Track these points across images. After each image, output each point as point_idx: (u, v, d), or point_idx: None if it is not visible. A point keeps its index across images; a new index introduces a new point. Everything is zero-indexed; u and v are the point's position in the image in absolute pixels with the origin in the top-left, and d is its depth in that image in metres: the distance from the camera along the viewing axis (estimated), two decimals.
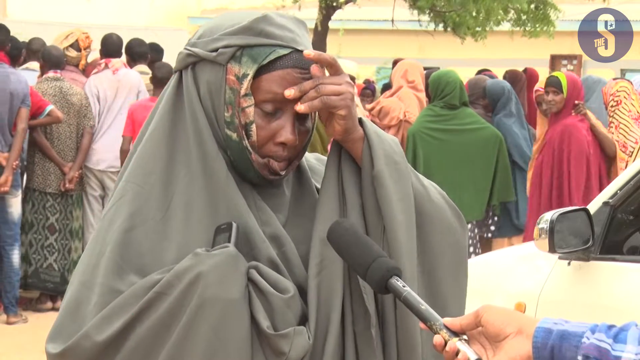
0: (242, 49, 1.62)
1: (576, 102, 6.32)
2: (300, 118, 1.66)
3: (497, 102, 7.64)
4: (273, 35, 1.63)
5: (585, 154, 6.30)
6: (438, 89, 6.87)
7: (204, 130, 1.64)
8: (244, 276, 1.56)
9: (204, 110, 1.65)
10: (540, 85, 6.91)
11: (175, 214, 1.63)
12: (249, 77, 1.61)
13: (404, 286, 1.49)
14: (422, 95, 7.42)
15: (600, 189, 6.31)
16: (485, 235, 6.98)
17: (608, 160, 6.47)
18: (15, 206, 6.80)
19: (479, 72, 9.43)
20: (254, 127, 1.63)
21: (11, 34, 7.74)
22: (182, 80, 1.68)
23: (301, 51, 1.63)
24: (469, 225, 6.82)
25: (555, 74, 6.52)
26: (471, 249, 6.82)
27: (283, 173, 1.66)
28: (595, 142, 6.37)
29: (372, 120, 7.26)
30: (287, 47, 1.63)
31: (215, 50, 1.63)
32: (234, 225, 1.60)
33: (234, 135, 1.63)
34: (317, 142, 6.47)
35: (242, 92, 1.61)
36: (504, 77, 8.93)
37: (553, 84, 6.37)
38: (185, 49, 1.69)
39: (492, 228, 6.97)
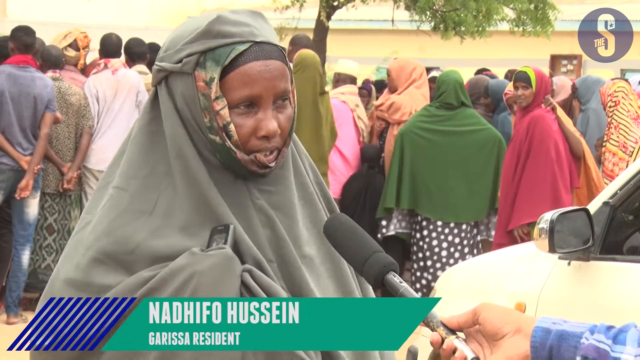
0: (205, 53, 1.63)
1: (546, 96, 6.33)
2: (279, 106, 1.67)
3: (500, 100, 7.66)
4: (230, 33, 1.63)
5: (551, 141, 6.26)
6: (436, 88, 6.90)
7: (183, 143, 1.66)
8: (239, 278, 1.56)
9: (183, 121, 1.66)
10: (510, 88, 6.91)
11: (160, 217, 1.64)
12: (216, 80, 1.62)
13: (400, 282, 1.49)
14: (427, 96, 7.43)
15: (571, 186, 6.33)
16: (487, 237, 6.95)
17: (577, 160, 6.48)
18: (32, 207, 6.83)
19: (479, 72, 9.43)
20: (232, 127, 1.64)
21: None
22: (158, 94, 1.70)
23: (261, 43, 1.64)
24: (464, 226, 6.80)
25: (523, 69, 6.54)
26: (466, 250, 6.81)
27: (273, 164, 1.67)
28: (564, 139, 6.38)
29: (381, 117, 7.34)
30: (245, 41, 1.63)
31: (180, 60, 1.65)
32: (231, 226, 1.61)
33: (217, 139, 1.65)
34: (325, 143, 6.49)
35: (213, 96, 1.63)
36: (506, 77, 8.94)
37: (522, 79, 6.40)
38: (155, 64, 1.71)
39: (493, 232, 6.95)
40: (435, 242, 6.80)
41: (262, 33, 1.66)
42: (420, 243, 6.86)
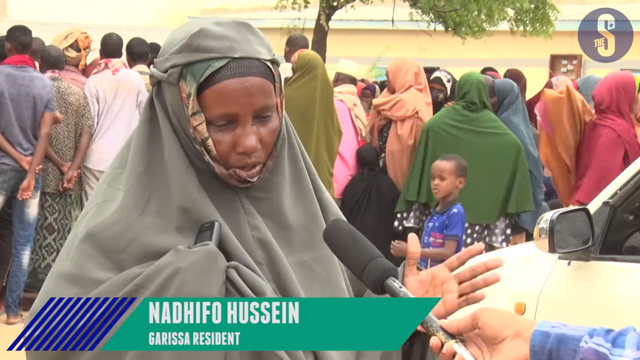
0: (186, 67, 1.62)
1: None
2: (262, 120, 1.65)
3: (504, 99, 7.68)
4: (209, 48, 1.62)
5: None
6: (458, 87, 6.92)
7: (174, 146, 1.66)
8: (223, 274, 1.58)
9: (173, 127, 1.67)
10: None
11: (152, 215, 1.65)
12: (192, 96, 1.62)
13: (400, 287, 1.49)
14: (428, 98, 7.44)
15: None
16: (490, 242, 6.93)
17: None
18: (32, 207, 6.83)
19: (483, 72, 9.42)
20: (210, 142, 1.63)
21: None
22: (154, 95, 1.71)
23: (239, 58, 1.62)
24: (477, 227, 6.80)
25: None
26: None
27: (255, 179, 1.66)
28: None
29: (383, 114, 7.34)
30: (222, 57, 1.61)
31: (166, 70, 1.65)
32: (217, 223, 1.62)
33: (201, 150, 1.65)
34: (324, 158, 6.50)
35: (190, 111, 1.62)
36: (505, 76, 8.94)
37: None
38: (150, 67, 1.71)
39: (501, 237, 6.94)
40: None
41: (244, 47, 1.63)
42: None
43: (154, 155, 1.67)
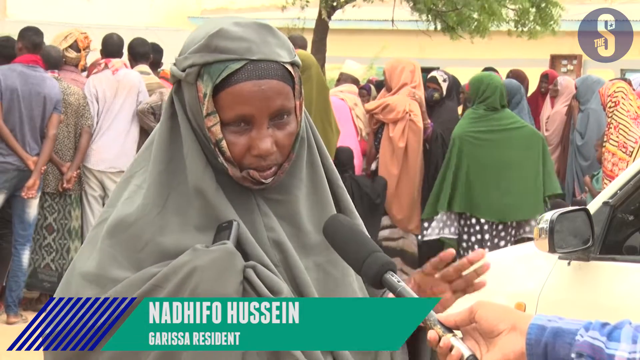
0: (203, 67, 1.62)
1: None
2: (278, 123, 1.64)
3: (511, 99, 7.71)
4: (227, 49, 1.61)
5: None
6: (479, 91, 6.91)
7: (192, 144, 1.66)
8: (240, 273, 1.57)
9: (192, 125, 1.66)
10: None
11: (170, 214, 1.65)
12: (208, 97, 1.61)
13: (398, 281, 1.50)
14: (423, 99, 7.45)
15: None
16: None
17: None
18: (33, 207, 6.84)
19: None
20: (224, 143, 1.63)
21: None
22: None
23: (257, 61, 1.61)
24: (514, 224, 6.81)
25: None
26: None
27: (269, 180, 1.65)
28: None
29: (376, 118, 7.34)
30: (240, 59, 1.60)
31: (185, 69, 1.64)
32: (235, 223, 1.62)
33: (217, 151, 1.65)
34: (332, 139, 6.51)
35: (204, 112, 1.62)
36: (507, 76, 8.96)
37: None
38: (172, 65, 1.71)
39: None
40: (489, 245, 6.77)
41: (262, 49, 1.62)
42: (476, 247, 6.82)
43: (175, 152, 1.68)
